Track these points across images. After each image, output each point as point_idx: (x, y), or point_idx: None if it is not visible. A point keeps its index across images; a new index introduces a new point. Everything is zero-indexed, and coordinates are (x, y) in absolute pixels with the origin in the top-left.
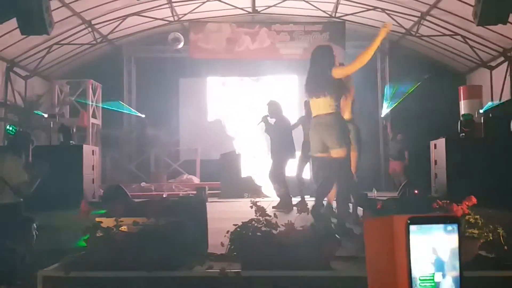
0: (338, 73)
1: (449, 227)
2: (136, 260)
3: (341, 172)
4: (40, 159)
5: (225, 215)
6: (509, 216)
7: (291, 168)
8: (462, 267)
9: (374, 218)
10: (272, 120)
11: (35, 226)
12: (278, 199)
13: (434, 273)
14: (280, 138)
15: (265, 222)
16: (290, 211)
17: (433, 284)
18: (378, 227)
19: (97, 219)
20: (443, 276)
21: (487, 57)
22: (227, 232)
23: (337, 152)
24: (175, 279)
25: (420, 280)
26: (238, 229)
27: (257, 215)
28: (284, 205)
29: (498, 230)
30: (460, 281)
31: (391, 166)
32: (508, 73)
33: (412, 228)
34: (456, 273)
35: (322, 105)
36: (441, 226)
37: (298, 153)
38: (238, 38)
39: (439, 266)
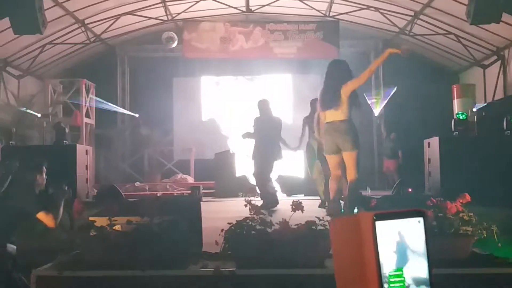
0: (348, 87)
1: (415, 221)
2: (130, 259)
3: (355, 172)
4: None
5: (219, 214)
6: (502, 213)
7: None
8: (431, 260)
9: (341, 217)
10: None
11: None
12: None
13: (402, 268)
14: (268, 137)
15: (259, 221)
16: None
17: (402, 279)
18: (345, 225)
19: (91, 218)
20: (412, 270)
21: (480, 56)
22: (222, 230)
23: (349, 154)
24: (169, 278)
25: (389, 276)
26: (233, 227)
27: (252, 213)
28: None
29: (492, 228)
30: (429, 274)
31: (385, 165)
32: (501, 72)
33: (378, 224)
34: (425, 266)
35: (336, 113)
36: (407, 220)
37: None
38: (232, 37)
39: (407, 260)
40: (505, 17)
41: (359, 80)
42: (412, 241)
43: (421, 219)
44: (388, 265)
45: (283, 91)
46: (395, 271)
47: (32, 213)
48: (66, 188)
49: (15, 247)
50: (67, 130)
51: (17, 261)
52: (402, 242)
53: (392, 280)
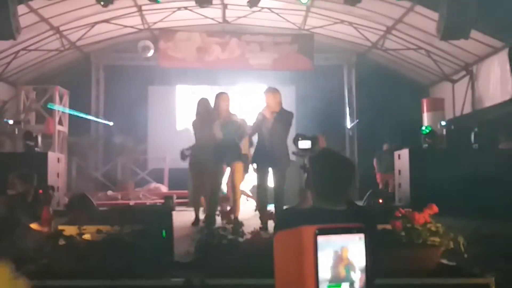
0: None
1: (356, 237)
2: (99, 269)
3: None
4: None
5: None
6: (469, 225)
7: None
8: (369, 276)
9: (284, 230)
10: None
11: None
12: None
13: (341, 283)
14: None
15: (231, 230)
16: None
17: None
18: (287, 239)
19: (60, 227)
20: (351, 285)
21: (449, 70)
22: (193, 240)
23: None
24: None
25: None
26: (204, 237)
27: (224, 223)
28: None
29: (459, 239)
30: None
31: (381, 178)
32: (469, 87)
33: (320, 238)
34: (363, 282)
35: None
36: (348, 236)
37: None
38: (208, 47)
39: (347, 275)
40: (473, 33)
41: None
42: (352, 256)
43: (362, 235)
44: (327, 279)
45: (259, 101)
46: (334, 286)
47: (23, 220)
48: (51, 191)
49: None
50: (39, 138)
51: None
52: (342, 257)
53: None
